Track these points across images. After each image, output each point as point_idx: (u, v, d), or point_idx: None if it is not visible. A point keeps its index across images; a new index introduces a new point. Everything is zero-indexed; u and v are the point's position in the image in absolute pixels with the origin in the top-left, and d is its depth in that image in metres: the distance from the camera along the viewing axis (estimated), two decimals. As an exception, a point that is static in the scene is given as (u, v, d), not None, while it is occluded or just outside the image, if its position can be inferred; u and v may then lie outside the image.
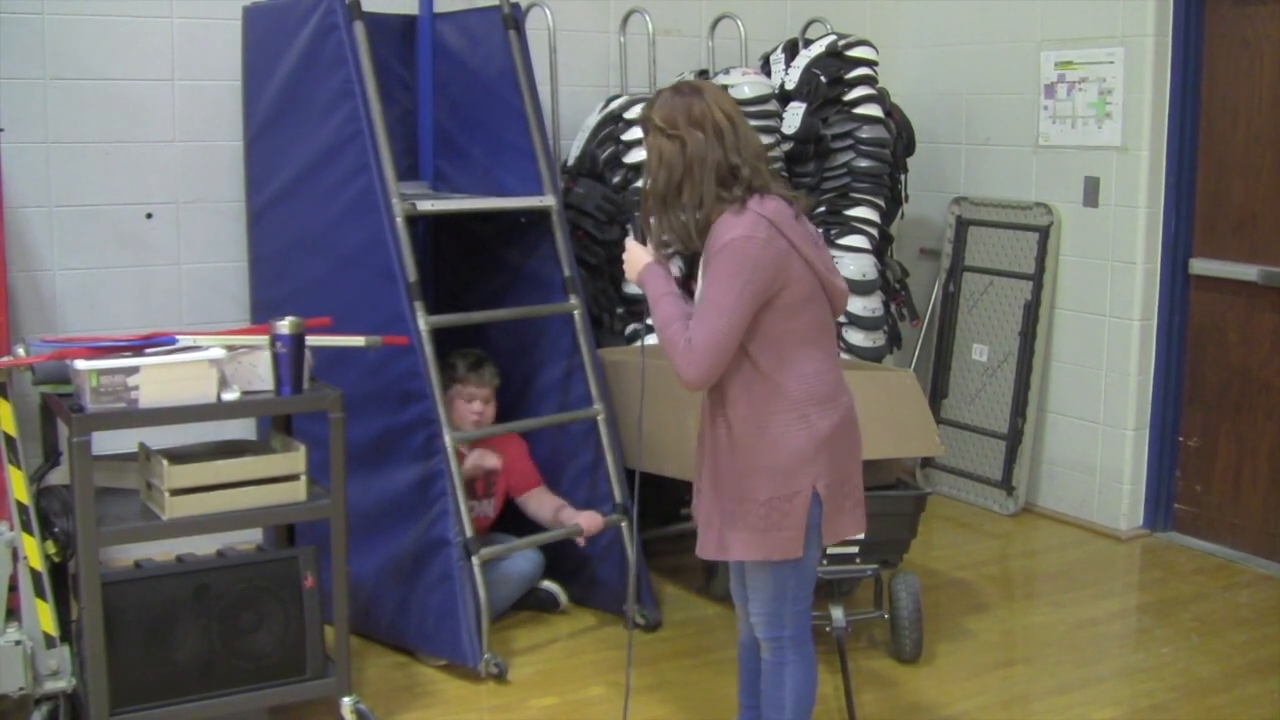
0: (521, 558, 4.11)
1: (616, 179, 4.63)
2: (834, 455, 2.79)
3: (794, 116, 4.88)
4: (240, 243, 4.49)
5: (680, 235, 2.79)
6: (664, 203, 2.77)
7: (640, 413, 3.38)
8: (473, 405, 4.13)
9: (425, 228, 4.56)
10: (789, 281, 2.70)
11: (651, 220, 2.83)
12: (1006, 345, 5.36)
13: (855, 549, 3.68)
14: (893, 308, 5.16)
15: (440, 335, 3.89)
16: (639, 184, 2.91)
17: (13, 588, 3.11)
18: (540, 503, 4.21)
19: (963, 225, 5.56)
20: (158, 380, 3.01)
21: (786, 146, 4.85)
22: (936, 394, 5.60)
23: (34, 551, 3.09)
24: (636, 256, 2.87)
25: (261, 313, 4.25)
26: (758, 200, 2.71)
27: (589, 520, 4.02)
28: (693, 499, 2.98)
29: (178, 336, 3.20)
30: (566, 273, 4.15)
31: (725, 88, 4.72)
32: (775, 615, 2.88)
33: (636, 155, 4.56)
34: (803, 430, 2.75)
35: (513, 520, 4.25)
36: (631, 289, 4.55)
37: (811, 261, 2.74)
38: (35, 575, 3.10)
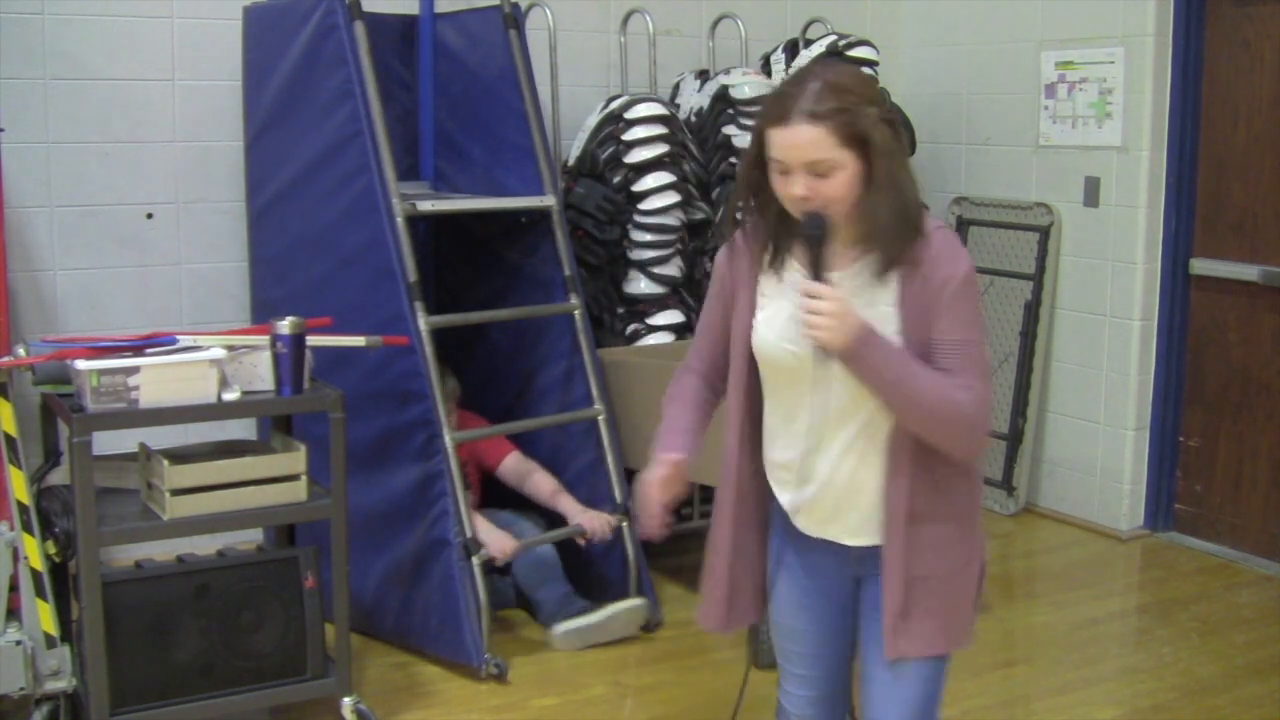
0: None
1: (617, 179, 4.62)
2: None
3: (794, 116, 4.87)
4: (240, 243, 4.49)
5: (898, 217, 2.13)
6: (891, 182, 2.11)
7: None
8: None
9: (426, 228, 4.56)
10: None
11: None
12: (1007, 345, 5.36)
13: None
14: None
15: (440, 335, 3.89)
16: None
17: (13, 588, 3.11)
18: (528, 476, 4.16)
19: (963, 225, 5.56)
20: (158, 380, 3.01)
21: (787, 146, 4.84)
22: (936, 394, 5.59)
23: (34, 551, 3.09)
24: (846, 313, 2.08)
25: (262, 313, 4.25)
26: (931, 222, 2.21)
27: (593, 522, 4.01)
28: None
29: (178, 336, 3.20)
30: (567, 272, 4.15)
31: (725, 88, 4.76)
32: None
33: (637, 155, 4.55)
34: None
35: (514, 499, 4.23)
36: (632, 288, 4.55)
37: None
38: (35, 575, 3.10)
